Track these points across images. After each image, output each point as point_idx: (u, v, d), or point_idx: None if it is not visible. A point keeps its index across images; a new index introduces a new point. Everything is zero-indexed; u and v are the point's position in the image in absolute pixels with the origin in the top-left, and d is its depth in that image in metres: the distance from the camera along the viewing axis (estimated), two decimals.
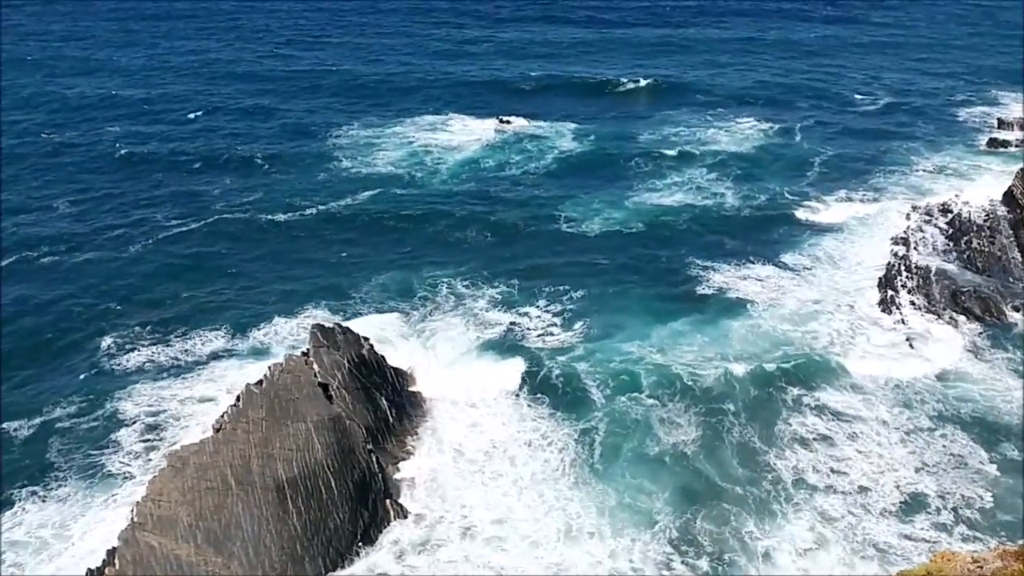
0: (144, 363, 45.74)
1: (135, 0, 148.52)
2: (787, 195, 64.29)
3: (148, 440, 40.18)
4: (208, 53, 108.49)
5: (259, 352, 46.43)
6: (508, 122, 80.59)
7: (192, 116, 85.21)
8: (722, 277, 53.24)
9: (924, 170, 68.45)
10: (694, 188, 65.58)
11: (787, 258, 55.34)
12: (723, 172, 67.84)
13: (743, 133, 76.38)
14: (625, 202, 63.49)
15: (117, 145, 77.08)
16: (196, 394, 43.06)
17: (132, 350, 46.73)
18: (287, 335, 47.94)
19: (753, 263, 54.82)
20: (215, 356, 46.20)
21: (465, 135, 77.74)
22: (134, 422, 41.33)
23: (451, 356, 45.43)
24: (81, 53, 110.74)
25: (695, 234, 58.74)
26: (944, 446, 38.55)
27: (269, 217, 62.06)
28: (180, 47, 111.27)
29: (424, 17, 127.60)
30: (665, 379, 43.05)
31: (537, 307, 50.30)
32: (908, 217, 59.08)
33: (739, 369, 43.62)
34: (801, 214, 61.54)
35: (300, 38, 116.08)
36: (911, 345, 45.91)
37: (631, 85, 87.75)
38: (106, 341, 47.59)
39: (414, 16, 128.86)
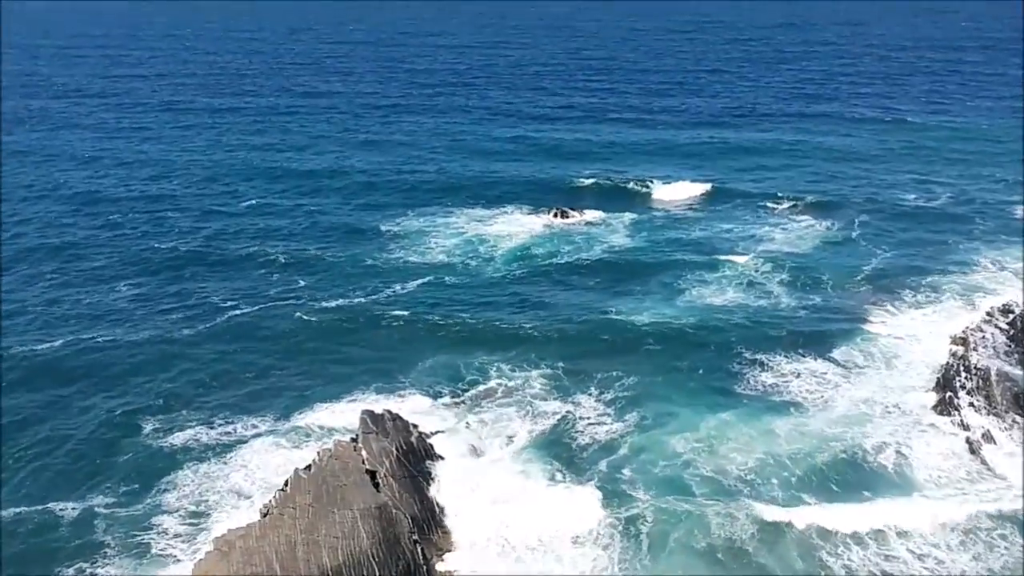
0: (189, 445, 46.90)
1: (192, 94, 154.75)
2: (842, 294, 64.34)
3: (193, 523, 41.01)
4: (263, 150, 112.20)
5: (305, 436, 47.41)
6: (562, 215, 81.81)
7: (245, 205, 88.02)
8: (772, 375, 53.35)
9: (983, 269, 68.05)
10: (747, 286, 65.88)
11: (840, 357, 55.16)
12: (777, 271, 68.12)
13: (798, 232, 76.77)
14: (676, 299, 64.07)
15: (175, 231, 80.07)
16: (242, 477, 44.04)
17: (178, 432, 48.02)
18: (334, 419, 48.82)
19: (804, 361, 54.79)
20: (260, 439, 47.18)
21: (516, 227, 79.14)
22: (179, 504, 42.38)
23: (500, 450, 45.73)
24: (133, 146, 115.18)
25: (746, 331, 58.85)
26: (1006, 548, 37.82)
27: (321, 304, 63.71)
28: (234, 142, 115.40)
29: (470, 116, 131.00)
30: (714, 481, 43.09)
31: (588, 395, 51.06)
32: (967, 316, 58.61)
33: (788, 470, 43.52)
34: (856, 313, 61.37)
35: (352, 135, 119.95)
36: (972, 450, 45.15)
37: (679, 185, 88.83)
38: (152, 424, 48.97)
39: (461, 114, 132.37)
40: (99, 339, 58.48)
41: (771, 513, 40.47)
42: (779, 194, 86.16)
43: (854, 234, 76.22)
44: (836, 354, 55.45)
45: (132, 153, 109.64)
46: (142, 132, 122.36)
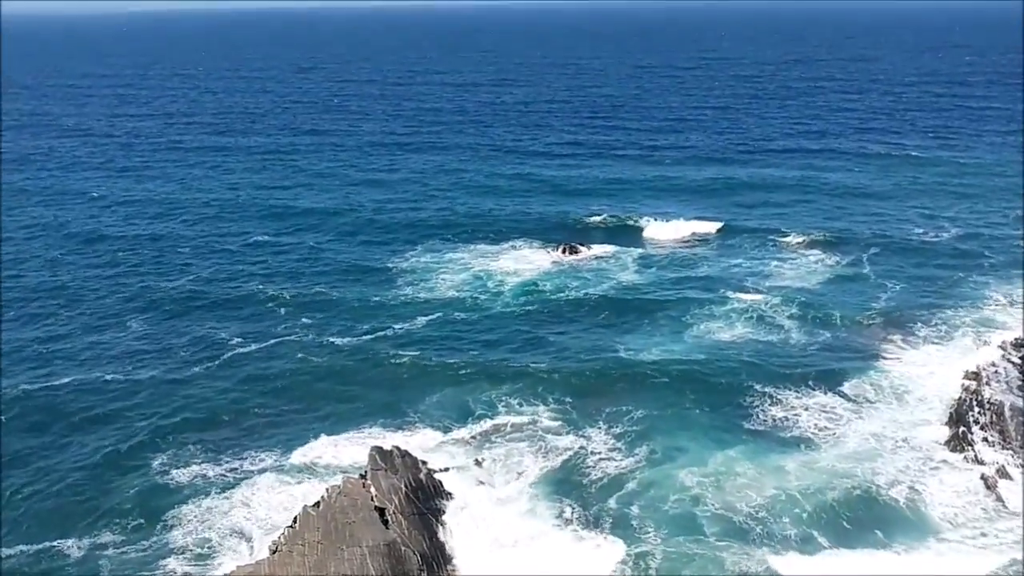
0: (195, 482, 47.14)
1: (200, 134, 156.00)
2: (852, 329, 64.33)
3: (200, 561, 40.85)
4: (270, 188, 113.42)
5: (311, 472, 47.56)
6: (570, 251, 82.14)
7: (252, 242, 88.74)
8: (782, 410, 53.42)
9: (994, 303, 68.00)
10: (756, 322, 65.92)
11: (850, 392, 55.19)
12: (787, 306, 68.16)
13: (808, 268, 76.84)
14: (684, 334, 64.27)
15: (182, 270, 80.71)
16: (243, 515, 44.12)
17: (183, 468, 48.36)
18: (342, 455, 49.07)
19: (814, 396, 54.83)
20: (265, 475, 47.35)
21: (524, 263, 79.52)
22: (184, 542, 42.52)
23: (510, 487, 45.62)
24: (142, 186, 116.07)
25: (755, 366, 58.97)
26: None
27: (328, 340, 63.99)
28: (242, 181, 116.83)
29: (477, 153, 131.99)
30: (725, 519, 42.96)
31: (597, 429, 51.34)
32: (979, 351, 58.49)
33: (798, 506, 43.35)
34: (866, 348, 61.45)
35: (359, 173, 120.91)
36: (987, 486, 44.85)
37: (687, 222, 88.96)
38: (159, 460, 49.28)
39: (468, 152, 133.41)
40: (106, 377, 58.87)
41: (784, 563, 40.05)
42: (787, 230, 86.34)
43: (864, 269, 76.32)
44: (847, 389, 55.47)
45: (139, 191, 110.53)
46: (149, 170, 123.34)
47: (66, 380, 58.46)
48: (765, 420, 52.33)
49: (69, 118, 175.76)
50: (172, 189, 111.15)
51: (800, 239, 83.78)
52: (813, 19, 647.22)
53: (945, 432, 49.68)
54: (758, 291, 71.33)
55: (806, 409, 53.20)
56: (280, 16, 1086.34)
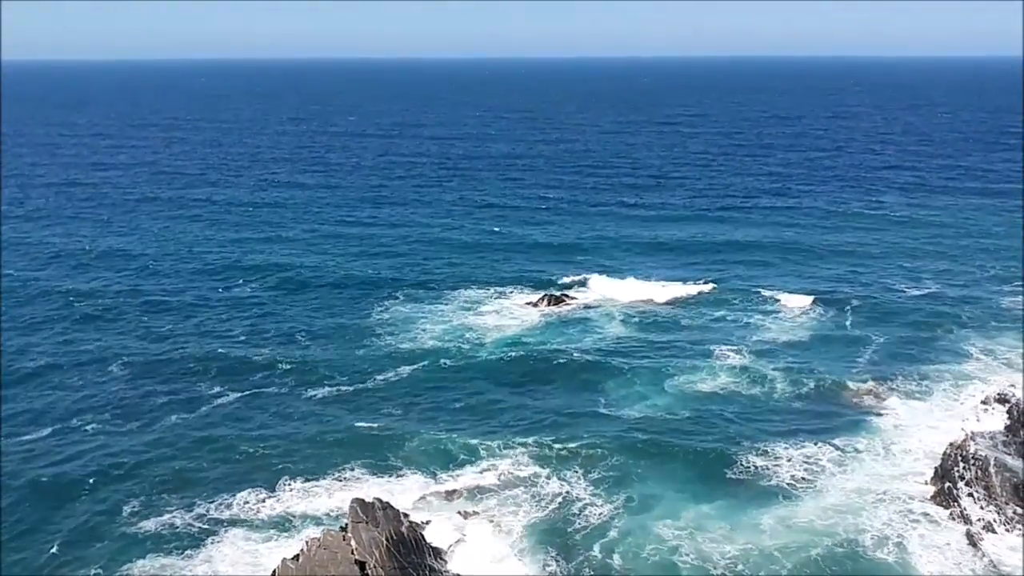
0: (164, 531, 46.67)
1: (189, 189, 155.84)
2: (836, 381, 64.63)
3: None
4: (251, 240, 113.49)
5: (286, 523, 47.23)
6: (555, 302, 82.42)
7: (231, 295, 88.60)
8: (763, 460, 53.64)
9: (976, 359, 68.54)
10: (740, 374, 66.25)
11: (834, 445, 55.31)
12: (771, 360, 68.62)
13: (792, 323, 77.40)
14: (666, 384, 64.60)
15: (164, 322, 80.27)
16: (223, 569, 43.39)
17: (155, 517, 47.81)
18: (317, 504, 48.86)
19: (797, 448, 55.03)
20: (239, 526, 47.05)
21: (508, 317, 79.77)
22: None
23: (493, 538, 45.27)
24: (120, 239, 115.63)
25: (738, 417, 59.47)
26: None
27: (309, 392, 63.57)
28: (221, 236, 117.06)
29: (458, 208, 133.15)
30: (702, 571, 43.05)
31: (578, 477, 51.69)
32: (963, 406, 58.81)
33: (775, 561, 43.43)
34: (850, 401, 61.86)
35: (341, 227, 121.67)
36: (973, 543, 44.78)
37: (671, 281, 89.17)
38: (131, 507, 48.90)
39: (450, 207, 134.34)
40: (87, 428, 58.28)
41: None
42: (771, 287, 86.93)
43: (847, 324, 76.97)
44: (830, 442, 55.60)
45: (120, 245, 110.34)
46: (126, 224, 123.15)
47: (47, 431, 58.02)
48: (746, 470, 52.46)
49: (44, 169, 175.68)
50: (151, 243, 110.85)
51: (783, 296, 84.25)
52: (795, 73, 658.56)
53: (930, 488, 49.69)
54: (742, 345, 71.69)
55: (788, 461, 53.34)
56: (274, 68, 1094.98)
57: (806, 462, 53.18)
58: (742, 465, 53.13)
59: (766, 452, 54.46)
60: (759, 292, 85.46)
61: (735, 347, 71.20)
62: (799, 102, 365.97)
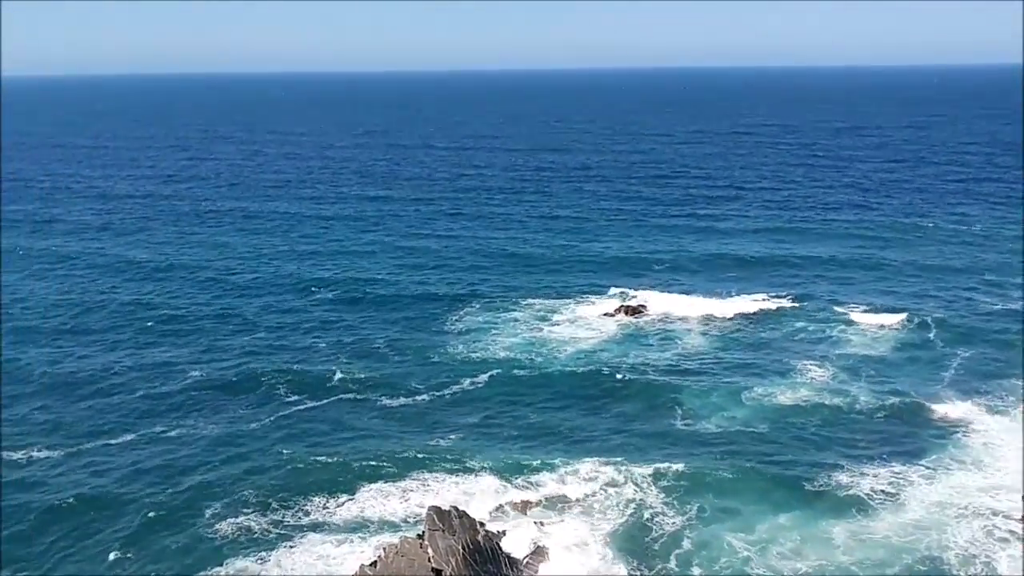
0: (242, 534, 47.81)
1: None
2: (920, 397, 63.29)
3: None
4: (333, 240, 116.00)
5: (362, 529, 47.95)
6: (633, 312, 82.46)
7: (317, 298, 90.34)
8: (840, 474, 52.99)
9: None
10: (821, 387, 65.35)
11: (915, 460, 54.46)
12: (853, 372, 67.69)
13: (875, 336, 75.88)
14: (745, 396, 63.97)
15: (246, 328, 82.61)
16: (296, 572, 44.21)
17: (231, 519, 49.00)
18: (397, 510, 49.74)
19: (876, 463, 54.28)
20: (314, 530, 47.98)
21: (584, 325, 79.74)
22: None
23: (568, 549, 45.32)
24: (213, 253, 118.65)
25: (817, 429, 58.89)
26: None
27: (385, 401, 64.61)
28: (286, 249, 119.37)
29: (529, 221, 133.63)
30: None
31: (653, 487, 51.62)
32: None
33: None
34: (935, 417, 60.47)
35: (413, 228, 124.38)
36: None
37: (751, 294, 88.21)
38: (212, 509, 50.13)
39: (518, 221, 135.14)
40: (169, 433, 59.99)
41: None
42: (853, 302, 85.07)
43: (932, 338, 75.15)
44: (912, 456, 54.69)
45: (196, 257, 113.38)
46: (203, 237, 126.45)
47: (131, 436, 59.86)
48: (823, 483, 51.87)
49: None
50: (226, 255, 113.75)
51: (866, 311, 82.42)
52: (849, 84, 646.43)
53: (1018, 504, 48.27)
54: (823, 360, 70.60)
55: (867, 475, 52.54)
56: (360, 80, 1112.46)
57: (886, 476, 52.37)
58: (819, 478, 52.46)
59: (844, 466, 53.71)
60: (840, 307, 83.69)
61: (816, 361, 70.16)
62: (872, 114, 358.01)
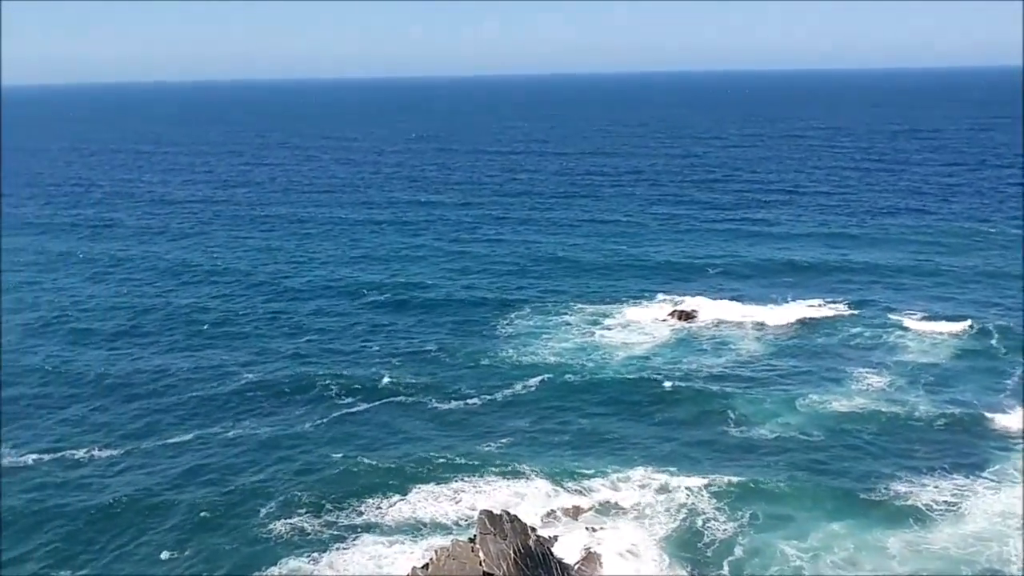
0: (296, 535, 48.35)
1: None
2: (983, 405, 62.03)
3: None
4: (374, 258, 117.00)
5: (414, 531, 48.29)
6: (686, 317, 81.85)
7: (368, 301, 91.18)
8: (896, 483, 52.21)
9: None
10: (878, 394, 64.35)
11: (977, 470, 53.35)
12: (911, 379, 66.52)
13: (935, 345, 74.37)
14: (800, 403, 63.13)
15: (299, 329, 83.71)
16: (354, 571, 44.58)
17: (287, 519, 49.67)
18: (448, 511, 50.05)
19: (935, 472, 53.29)
20: (366, 531, 48.40)
21: (638, 330, 79.52)
22: None
23: (620, 557, 45.12)
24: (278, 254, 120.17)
25: (873, 438, 57.93)
26: None
27: (437, 405, 64.94)
28: (338, 253, 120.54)
29: (581, 225, 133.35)
30: None
31: (704, 493, 51.28)
32: None
33: None
34: (996, 427, 59.13)
35: (464, 233, 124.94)
36: None
37: (805, 300, 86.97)
38: (267, 509, 50.87)
39: (572, 225, 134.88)
40: (223, 435, 60.86)
41: None
42: (912, 310, 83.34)
43: (994, 347, 73.50)
44: (973, 467, 53.62)
45: (249, 261, 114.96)
46: (257, 241, 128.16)
47: (191, 436, 60.86)
48: (878, 492, 51.16)
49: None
50: (279, 259, 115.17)
51: (925, 318, 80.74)
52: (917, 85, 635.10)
53: None
54: (880, 367, 69.41)
55: (925, 485, 51.71)
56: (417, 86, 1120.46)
57: (945, 487, 51.37)
58: (875, 487, 51.72)
59: (901, 475, 52.88)
60: (898, 314, 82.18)
61: (872, 369, 69.06)
62: (930, 116, 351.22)
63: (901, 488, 51.45)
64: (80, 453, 58.10)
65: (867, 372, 68.44)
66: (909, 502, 49.88)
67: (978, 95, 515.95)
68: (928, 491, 50.95)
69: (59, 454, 58.02)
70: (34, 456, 57.62)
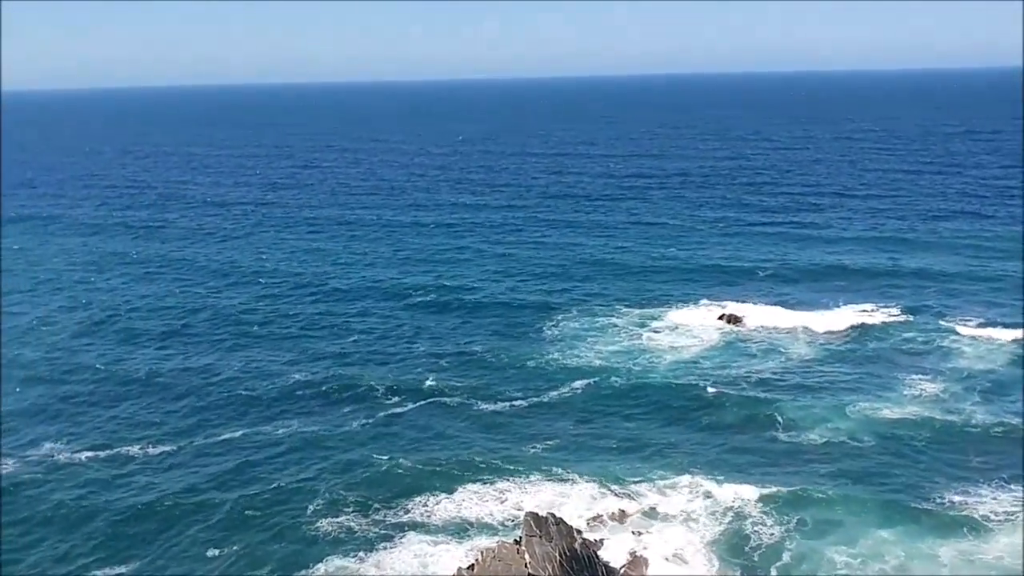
0: (343, 533, 48.68)
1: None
2: None
3: None
4: (419, 261, 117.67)
5: (460, 531, 48.33)
6: (734, 321, 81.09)
7: (413, 303, 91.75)
8: (950, 492, 51.07)
9: None
10: (932, 401, 63.06)
11: None
12: (967, 387, 65.09)
13: (993, 352, 72.67)
14: (851, 409, 62.02)
15: (345, 329, 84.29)
16: (393, 572, 44.77)
17: (333, 518, 49.99)
18: (494, 511, 50.11)
19: (992, 482, 52.01)
20: (412, 530, 48.58)
21: (686, 333, 79.09)
22: None
23: (666, 561, 44.79)
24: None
25: (926, 445, 56.88)
26: None
27: (483, 406, 65.07)
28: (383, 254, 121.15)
29: (630, 228, 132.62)
30: None
31: (751, 498, 50.62)
32: None
33: None
34: None
35: (508, 236, 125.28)
36: None
37: (859, 305, 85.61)
38: (313, 506, 51.30)
39: (620, 227, 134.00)
40: (271, 434, 61.49)
41: None
42: (968, 316, 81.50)
43: None
44: None
45: (295, 263, 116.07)
46: (304, 244, 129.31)
47: (239, 433, 61.67)
48: (931, 500, 50.23)
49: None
50: (325, 261, 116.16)
51: (982, 325, 79.02)
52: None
53: None
54: (935, 374, 68.01)
55: (981, 494, 50.49)
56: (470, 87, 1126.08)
57: (1003, 497, 50.10)
58: (927, 495, 50.77)
59: (955, 484, 51.76)
60: (952, 320, 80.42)
61: (926, 375, 67.71)
62: (980, 116, 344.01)
63: (955, 498, 50.38)
64: (130, 450, 59.03)
65: (920, 379, 67.19)
66: (964, 512, 48.78)
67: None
68: (984, 502, 49.77)
69: (109, 451, 58.98)
70: (85, 453, 58.65)
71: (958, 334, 76.86)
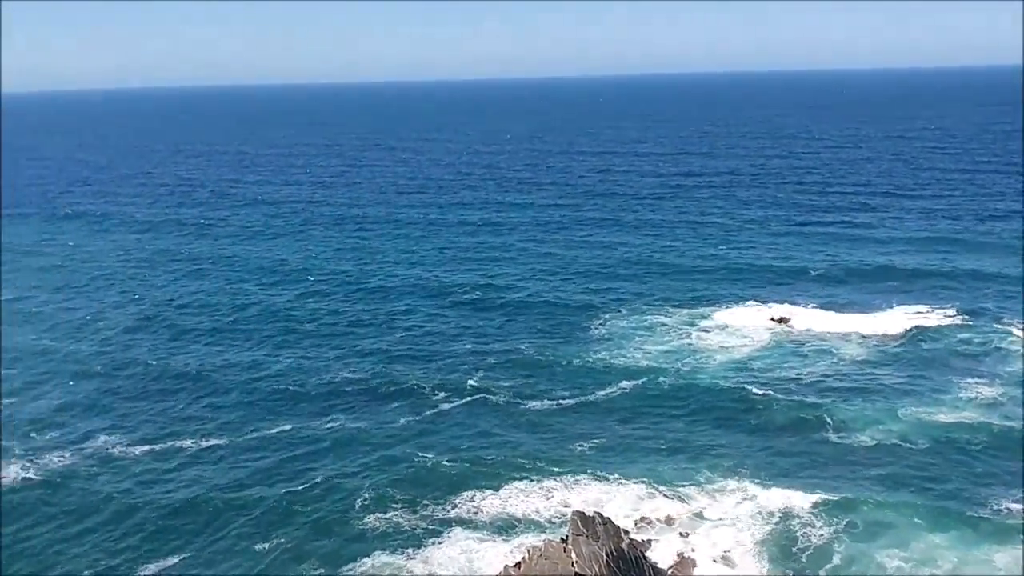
0: (391, 528, 49.00)
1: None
2: None
3: None
4: (467, 260, 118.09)
5: (507, 528, 48.46)
6: (783, 322, 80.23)
7: (459, 300, 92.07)
8: (1006, 499, 49.99)
9: None
10: (988, 406, 61.66)
11: None
12: None
13: None
14: (903, 412, 61.05)
15: (391, 325, 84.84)
16: (439, 569, 45.00)
17: (379, 513, 50.26)
18: (540, 508, 50.18)
19: None
20: (460, 526, 48.77)
21: (736, 333, 78.43)
22: None
23: (714, 563, 44.40)
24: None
25: (982, 450, 55.68)
26: None
27: (531, 403, 65.13)
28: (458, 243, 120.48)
29: (677, 227, 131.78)
30: None
31: (801, 500, 50.19)
32: None
33: None
34: None
35: (555, 235, 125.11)
36: None
37: (913, 306, 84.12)
38: (361, 500, 51.72)
39: (665, 228, 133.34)
40: (318, 430, 62.04)
41: None
42: (1021, 316, 79.72)
43: None
44: None
45: (343, 261, 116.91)
46: (350, 242, 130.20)
47: (288, 426, 62.49)
48: (985, 506, 49.32)
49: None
50: (371, 260, 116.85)
51: None
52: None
53: None
54: (992, 378, 66.58)
55: None
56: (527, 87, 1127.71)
57: None
58: (981, 500, 49.84)
59: (1012, 491, 50.57)
60: (1009, 323, 78.55)
61: (982, 379, 66.30)
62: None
63: (1012, 505, 49.28)
64: (179, 444, 59.93)
65: (976, 382, 65.82)
66: (1019, 519, 47.76)
67: None
68: None
69: (159, 445, 59.95)
70: (137, 447, 59.65)
71: (1015, 336, 75.18)
